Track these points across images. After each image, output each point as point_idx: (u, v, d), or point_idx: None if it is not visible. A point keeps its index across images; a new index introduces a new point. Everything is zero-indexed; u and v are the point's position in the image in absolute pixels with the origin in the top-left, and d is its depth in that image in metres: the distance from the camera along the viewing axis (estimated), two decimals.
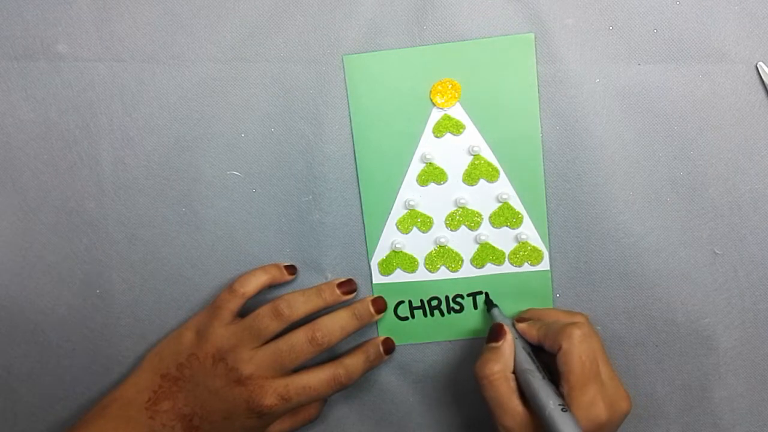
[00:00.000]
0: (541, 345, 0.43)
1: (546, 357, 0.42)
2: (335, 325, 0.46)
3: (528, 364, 0.42)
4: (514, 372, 0.42)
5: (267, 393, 0.43)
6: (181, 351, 0.45)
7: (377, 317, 0.47)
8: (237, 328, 0.45)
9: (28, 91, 0.47)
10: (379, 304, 0.48)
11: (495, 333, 0.43)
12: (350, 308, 0.47)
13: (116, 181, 0.48)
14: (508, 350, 0.43)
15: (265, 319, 0.45)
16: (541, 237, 0.47)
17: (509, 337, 0.43)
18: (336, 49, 0.46)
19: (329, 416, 0.50)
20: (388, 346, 0.48)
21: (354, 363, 0.46)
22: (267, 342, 0.45)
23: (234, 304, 0.46)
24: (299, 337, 0.45)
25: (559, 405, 0.39)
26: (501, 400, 0.41)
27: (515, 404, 0.41)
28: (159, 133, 0.47)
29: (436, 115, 0.47)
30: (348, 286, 0.48)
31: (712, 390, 0.48)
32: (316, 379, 0.44)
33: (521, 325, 0.44)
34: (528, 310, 0.47)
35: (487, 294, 0.48)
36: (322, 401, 0.48)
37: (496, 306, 0.47)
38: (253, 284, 0.46)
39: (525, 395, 0.41)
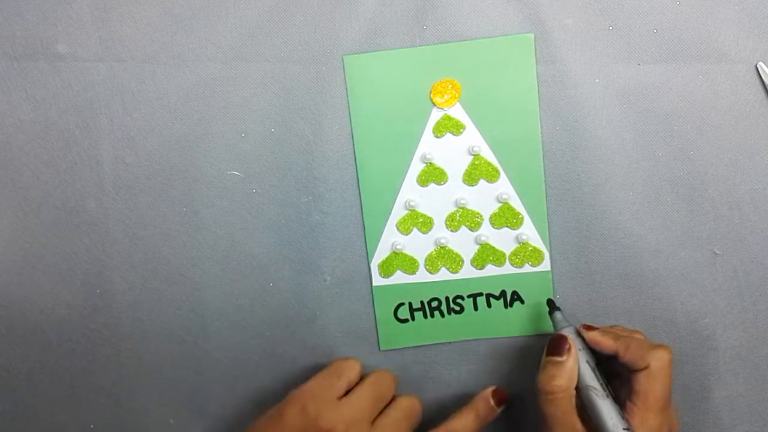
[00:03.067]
0: (615, 355, 0.41)
1: (606, 370, 0.41)
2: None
3: (592, 381, 0.41)
4: (576, 387, 0.41)
5: None
6: (287, 429, 0.41)
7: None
8: (355, 401, 0.42)
9: (28, 91, 0.47)
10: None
11: (558, 346, 0.42)
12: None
13: (116, 181, 0.48)
14: (573, 366, 0.41)
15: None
16: (541, 237, 0.47)
17: (574, 351, 0.42)
18: (336, 49, 0.46)
19: None
20: (500, 398, 0.45)
21: (463, 424, 0.44)
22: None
23: (354, 376, 0.44)
24: None
25: (624, 429, 0.38)
26: (562, 418, 0.40)
27: (576, 423, 0.40)
28: (159, 133, 0.47)
29: (436, 115, 0.47)
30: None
31: (712, 390, 0.48)
32: None
33: (593, 333, 0.42)
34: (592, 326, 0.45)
35: (550, 300, 0.46)
36: None
37: (559, 309, 0.45)
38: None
39: (586, 413, 0.40)
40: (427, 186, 0.47)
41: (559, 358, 0.41)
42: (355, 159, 0.47)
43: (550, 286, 0.48)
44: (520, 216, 0.47)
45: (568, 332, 0.43)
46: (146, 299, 0.49)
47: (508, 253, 0.48)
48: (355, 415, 0.41)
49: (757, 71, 0.45)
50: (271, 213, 0.48)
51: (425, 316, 0.49)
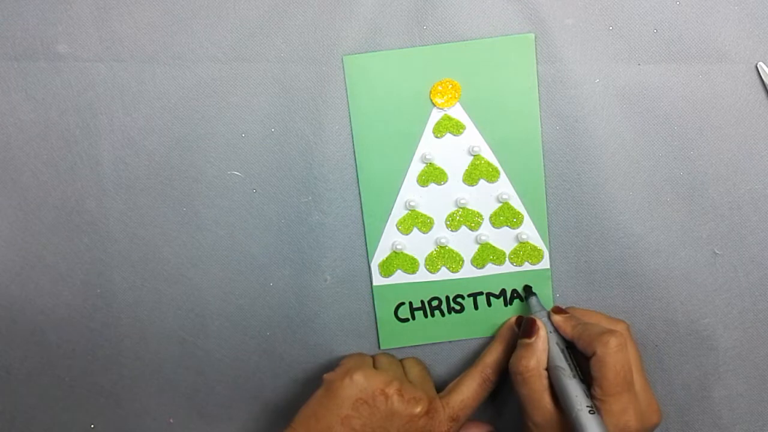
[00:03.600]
0: (573, 343, 0.43)
1: (580, 354, 0.42)
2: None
3: (560, 362, 0.42)
4: (546, 368, 0.42)
5: (442, 418, 0.43)
6: (341, 403, 0.42)
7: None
8: (386, 366, 0.45)
9: (28, 91, 0.47)
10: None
11: (528, 328, 0.43)
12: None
13: (116, 181, 0.48)
14: (542, 346, 0.42)
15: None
16: (541, 237, 0.47)
17: (542, 333, 0.43)
18: (336, 49, 0.46)
19: None
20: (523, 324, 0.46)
21: (495, 357, 0.46)
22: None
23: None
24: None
25: (587, 407, 0.39)
26: (533, 396, 0.41)
27: (546, 401, 0.41)
28: (159, 133, 0.47)
29: (436, 116, 0.47)
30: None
31: (712, 390, 0.48)
32: (469, 389, 0.44)
33: (556, 318, 0.44)
34: (569, 307, 0.47)
35: (527, 285, 0.48)
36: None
37: (534, 294, 0.47)
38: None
39: (555, 392, 0.41)
40: (427, 186, 0.47)
41: (528, 340, 0.43)
42: (355, 159, 0.47)
43: (549, 285, 0.48)
44: (520, 216, 0.47)
45: (542, 316, 0.45)
46: (146, 299, 0.49)
47: (508, 253, 0.48)
48: (395, 374, 0.44)
49: (757, 71, 0.45)
50: (271, 213, 0.48)
51: (425, 316, 0.49)
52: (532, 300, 0.47)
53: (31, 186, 0.48)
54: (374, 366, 0.46)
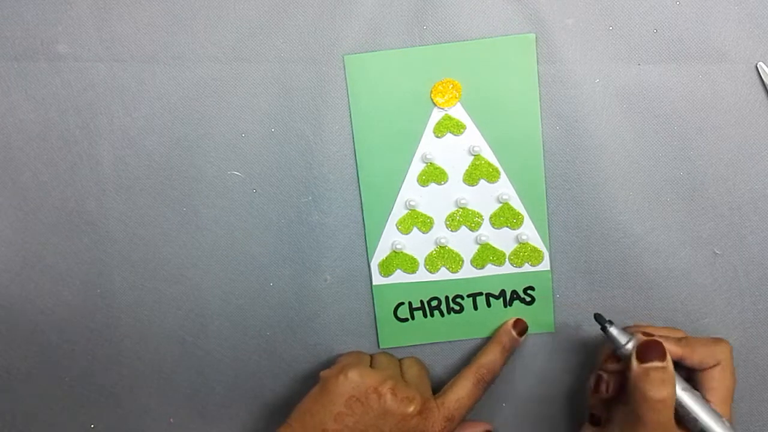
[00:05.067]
0: (680, 360, 0.41)
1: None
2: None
3: (683, 383, 0.41)
4: None
5: (436, 418, 0.43)
6: (335, 399, 0.42)
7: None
8: (383, 364, 0.45)
9: (28, 91, 0.47)
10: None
11: (654, 350, 0.40)
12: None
13: (116, 181, 0.48)
14: (673, 370, 0.40)
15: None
16: (541, 237, 0.47)
17: (670, 356, 0.40)
18: (336, 49, 0.46)
19: None
20: (521, 328, 0.47)
21: (491, 358, 0.46)
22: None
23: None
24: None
25: (726, 421, 0.40)
26: (667, 425, 0.39)
27: (674, 428, 0.40)
28: (159, 133, 0.47)
29: (436, 115, 0.47)
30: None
31: None
32: (465, 389, 0.44)
33: (658, 338, 0.41)
34: (634, 325, 0.45)
35: (598, 314, 0.44)
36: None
37: (611, 322, 0.43)
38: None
39: (679, 414, 0.40)
40: (427, 186, 0.47)
41: (660, 363, 0.40)
42: (356, 159, 0.47)
43: (549, 286, 0.48)
44: (520, 216, 0.47)
45: (629, 341, 0.42)
46: (146, 299, 0.49)
47: (508, 253, 0.48)
48: (391, 373, 0.44)
49: (757, 71, 0.45)
50: (271, 213, 0.48)
51: (425, 316, 0.49)
52: (613, 330, 0.42)
53: (31, 186, 0.48)
54: (372, 364, 0.46)
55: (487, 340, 0.48)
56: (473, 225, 0.48)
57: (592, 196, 0.47)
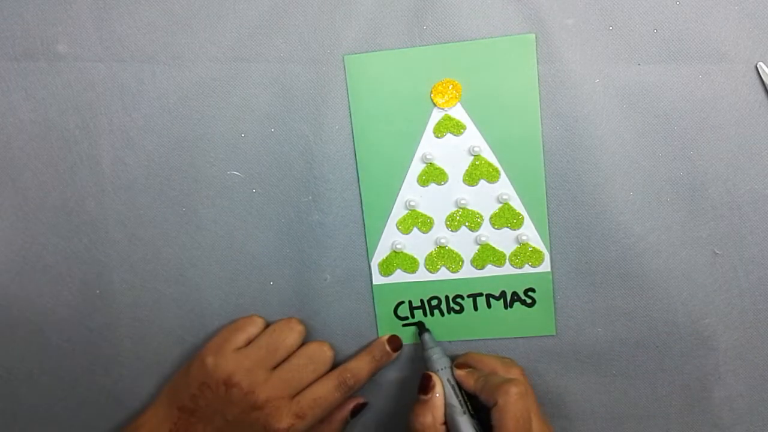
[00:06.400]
0: (476, 396, 0.43)
1: (482, 406, 0.43)
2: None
3: (452, 399, 0.44)
4: (444, 422, 0.43)
5: (283, 414, 0.44)
6: (191, 381, 0.45)
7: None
8: (251, 351, 0.45)
9: (28, 91, 0.47)
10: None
11: (425, 384, 0.44)
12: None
13: (116, 181, 0.48)
14: (438, 403, 0.44)
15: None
16: (541, 238, 0.47)
17: (438, 388, 0.44)
18: (336, 49, 0.46)
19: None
20: (395, 344, 0.48)
21: (359, 365, 0.47)
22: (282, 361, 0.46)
23: (254, 330, 0.47)
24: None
25: None
26: None
27: None
28: (159, 133, 0.47)
29: (436, 116, 0.47)
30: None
31: (712, 390, 0.48)
32: (325, 388, 0.45)
33: (459, 373, 0.45)
34: (467, 353, 0.47)
35: (420, 322, 0.48)
36: (343, 423, 0.48)
37: (427, 331, 0.47)
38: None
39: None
40: (427, 186, 0.47)
41: (424, 397, 0.44)
42: (356, 159, 0.47)
43: (550, 288, 0.48)
44: (520, 216, 0.47)
45: (438, 358, 0.45)
46: (146, 299, 0.49)
47: (508, 254, 0.48)
48: (252, 362, 0.45)
49: (757, 71, 0.45)
50: (271, 213, 0.48)
51: (425, 315, 0.49)
52: (425, 336, 0.47)
53: (31, 186, 0.48)
54: (254, 338, 0.46)
55: (487, 340, 0.48)
56: (473, 225, 0.48)
57: (592, 196, 0.47)
